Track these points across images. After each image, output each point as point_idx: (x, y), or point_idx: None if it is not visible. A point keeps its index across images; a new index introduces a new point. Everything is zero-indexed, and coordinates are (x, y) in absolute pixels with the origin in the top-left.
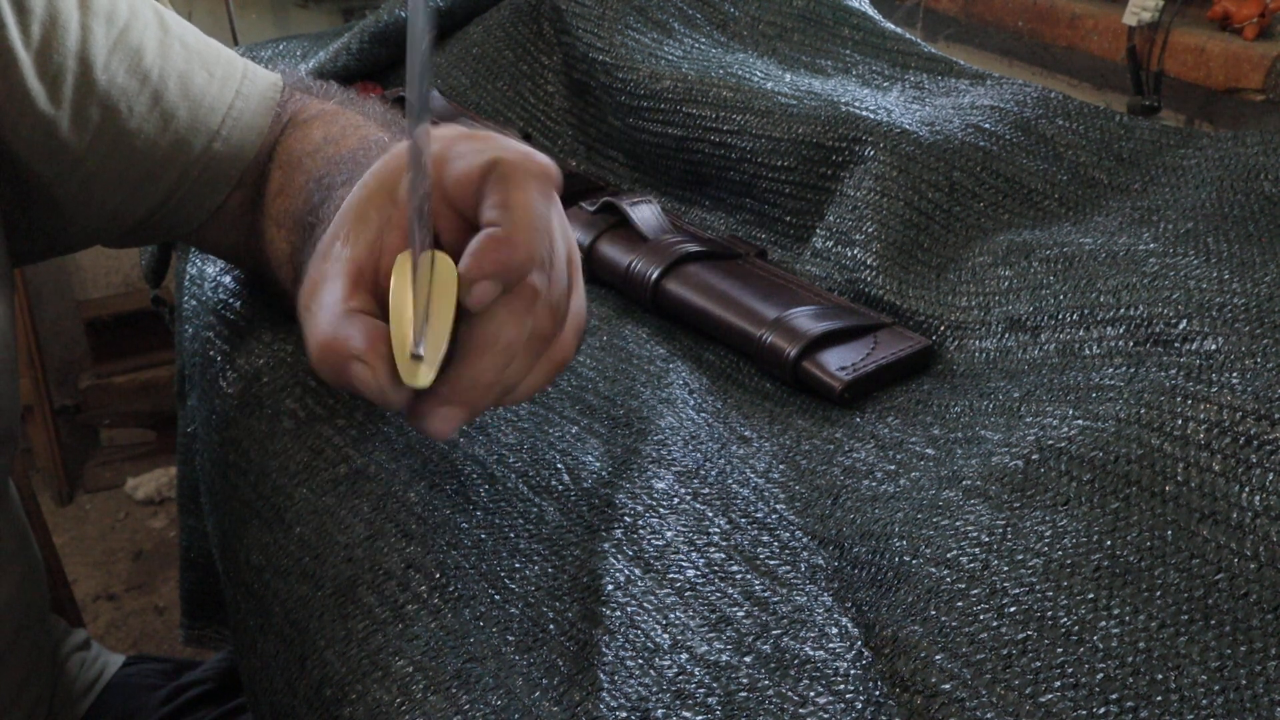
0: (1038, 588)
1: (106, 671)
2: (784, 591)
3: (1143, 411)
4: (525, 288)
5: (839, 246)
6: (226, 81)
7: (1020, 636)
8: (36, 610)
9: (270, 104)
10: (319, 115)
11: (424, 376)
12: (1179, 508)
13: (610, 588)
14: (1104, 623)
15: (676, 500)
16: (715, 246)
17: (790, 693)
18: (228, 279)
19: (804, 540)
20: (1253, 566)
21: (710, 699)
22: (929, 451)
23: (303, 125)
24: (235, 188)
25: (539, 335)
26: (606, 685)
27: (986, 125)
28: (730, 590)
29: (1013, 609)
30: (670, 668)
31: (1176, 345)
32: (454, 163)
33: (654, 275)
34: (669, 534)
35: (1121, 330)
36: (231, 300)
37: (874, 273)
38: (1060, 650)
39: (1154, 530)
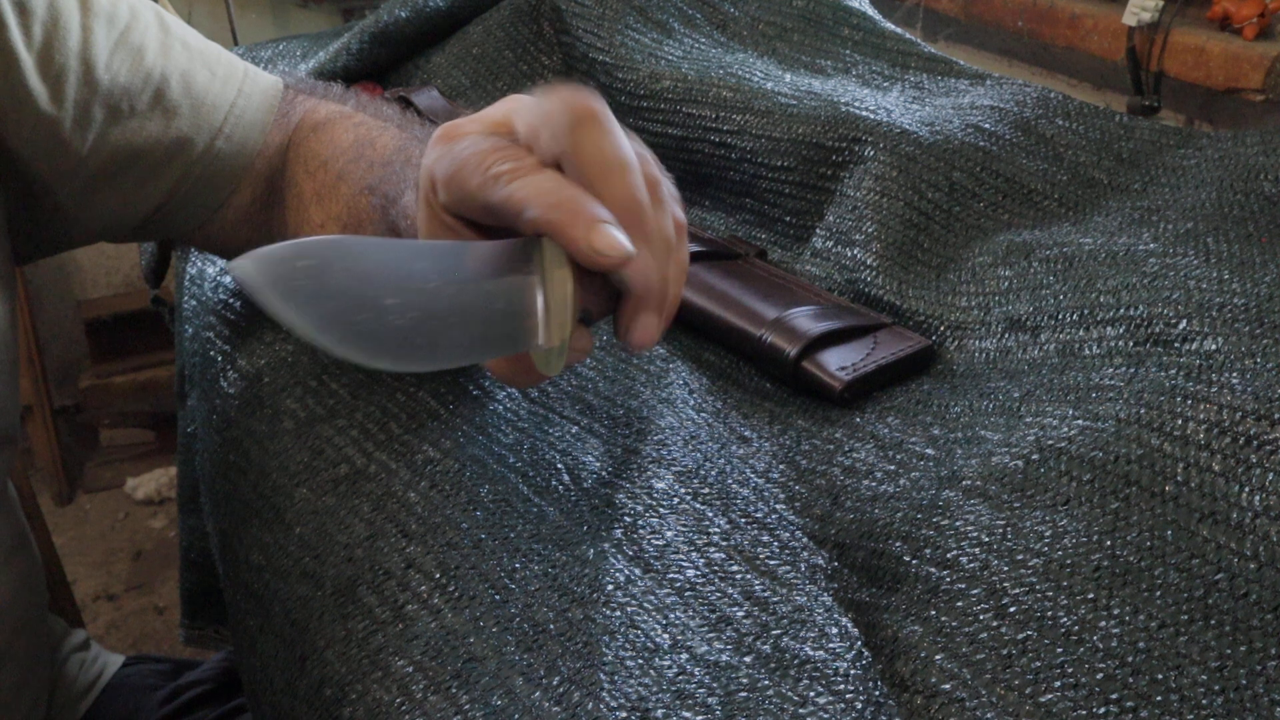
0: (1038, 588)
1: (106, 672)
2: (784, 591)
3: (1143, 411)
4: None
5: (839, 246)
6: (228, 81)
7: (1020, 636)
8: (35, 610)
9: (272, 102)
10: (337, 117)
11: (554, 365)
12: (1179, 508)
13: (610, 588)
14: (1104, 623)
15: (676, 500)
16: (715, 246)
17: (790, 693)
18: (228, 279)
19: (804, 540)
20: (1253, 566)
21: (710, 699)
22: (929, 451)
23: (324, 127)
24: (242, 186)
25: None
26: (606, 685)
27: (986, 125)
28: (730, 590)
29: (1013, 609)
30: (670, 668)
31: (1176, 345)
32: (487, 193)
33: None
34: (669, 534)
35: (1121, 330)
36: (231, 300)
37: (874, 273)
38: (1060, 650)
39: (1154, 530)
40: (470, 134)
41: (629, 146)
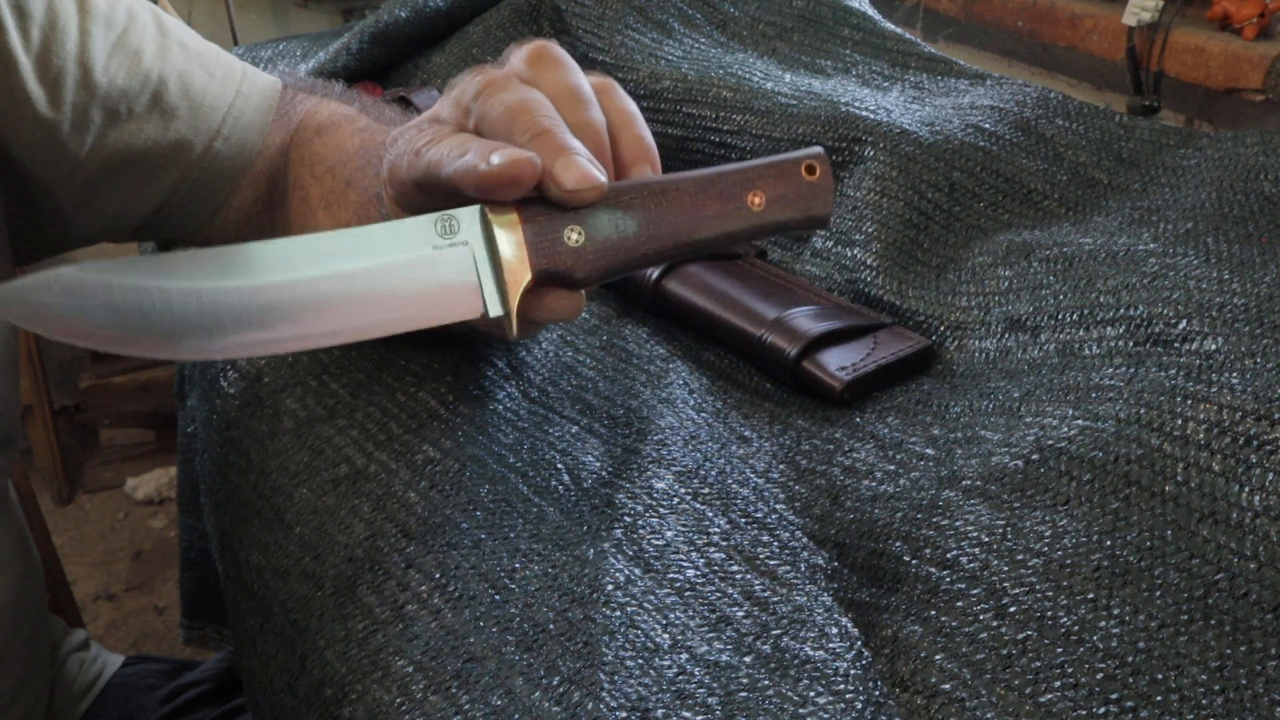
0: (1038, 588)
1: (106, 672)
2: (784, 591)
3: (1143, 411)
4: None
5: (839, 246)
6: (226, 82)
7: (1020, 636)
8: (35, 610)
9: (271, 103)
10: (340, 121)
11: (510, 329)
12: (1179, 508)
13: (610, 588)
14: (1104, 623)
15: (676, 500)
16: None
17: (790, 693)
18: None
19: (804, 540)
20: (1253, 566)
21: (710, 699)
22: (929, 451)
23: (328, 131)
24: (242, 186)
25: (564, 90)
26: (606, 685)
27: (986, 125)
28: (730, 590)
29: (1013, 609)
30: (670, 668)
31: (1176, 345)
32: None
33: (654, 275)
34: (669, 534)
35: (1121, 330)
36: None
37: (874, 273)
38: (1060, 650)
39: (1154, 530)
40: (405, 130)
41: (529, 93)
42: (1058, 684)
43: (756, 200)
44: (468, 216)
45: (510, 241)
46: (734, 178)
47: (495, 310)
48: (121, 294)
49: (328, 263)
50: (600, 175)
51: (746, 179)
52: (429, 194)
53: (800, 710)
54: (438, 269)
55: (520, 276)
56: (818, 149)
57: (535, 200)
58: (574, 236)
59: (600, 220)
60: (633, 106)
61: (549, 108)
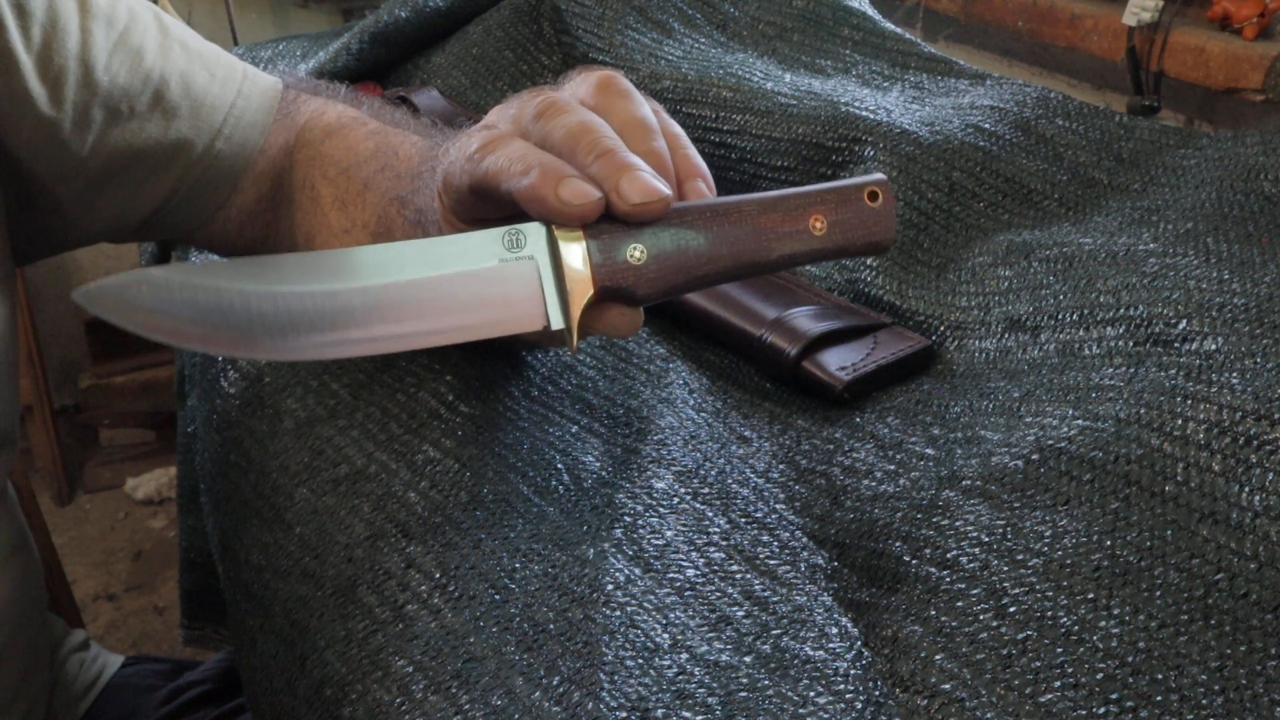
0: (1038, 588)
1: (106, 672)
2: (784, 591)
3: (1143, 411)
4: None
5: None
6: (227, 82)
7: (1020, 636)
8: (34, 610)
9: (272, 103)
10: (350, 123)
11: (569, 341)
12: (1179, 508)
13: (610, 588)
14: (1104, 623)
15: (676, 500)
16: None
17: (790, 693)
18: None
19: (804, 540)
20: (1253, 566)
21: (710, 699)
22: (929, 451)
23: (338, 133)
24: (244, 185)
25: (631, 120)
26: (606, 685)
27: (986, 125)
28: (730, 590)
29: (1013, 609)
30: (670, 668)
31: (1176, 345)
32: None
33: None
34: (669, 534)
35: (1121, 330)
36: None
37: (874, 273)
38: (1060, 650)
39: (1154, 530)
40: (455, 140)
41: (590, 115)
42: (1058, 684)
43: (818, 224)
44: (534, 231)
45: (575, 257)
46: (795, 201)
47: (557, 323)
48: (204, 295)
49: (398, 271)
50: (665, 188)
51: (808, 203)
52: (484, 200)
53: (800, 710)
54: (504, 281)
55: (583, 291)
56: (880, 176)
57: (600, 217)
58: (637, 254)
59: (663, 239)
60: (679, 129)
61: (610, 129)
